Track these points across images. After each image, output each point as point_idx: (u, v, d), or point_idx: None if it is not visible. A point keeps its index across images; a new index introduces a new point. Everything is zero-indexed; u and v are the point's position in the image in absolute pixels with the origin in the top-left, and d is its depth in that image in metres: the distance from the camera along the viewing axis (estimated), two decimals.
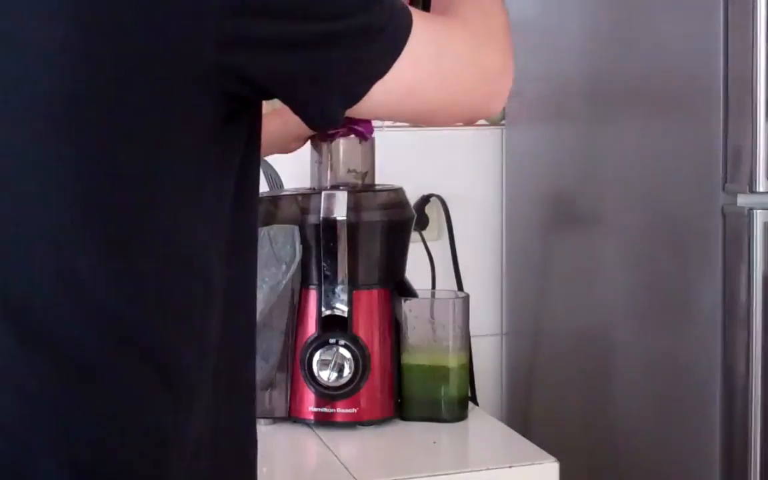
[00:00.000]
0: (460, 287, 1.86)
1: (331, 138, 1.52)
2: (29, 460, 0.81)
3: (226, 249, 0.89)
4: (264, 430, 1.50)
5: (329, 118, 0.89)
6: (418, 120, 1.03)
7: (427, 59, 0.91)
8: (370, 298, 1.51)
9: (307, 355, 1.49)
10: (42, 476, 0.81)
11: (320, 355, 1.48)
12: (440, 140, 1.99)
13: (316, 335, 1.50)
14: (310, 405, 1.50)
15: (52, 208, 0.80)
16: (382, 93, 0.88)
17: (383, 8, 0.88)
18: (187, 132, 0.83)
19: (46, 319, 0.81)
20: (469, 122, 0.99)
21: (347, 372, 1.48)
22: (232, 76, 0.83)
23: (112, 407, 0.83)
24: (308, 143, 1.55)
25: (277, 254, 1.49)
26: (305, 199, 1.52)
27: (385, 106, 0.91)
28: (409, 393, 1.52)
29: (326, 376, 1.48)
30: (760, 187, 1.31)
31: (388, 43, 0.88)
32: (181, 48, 0.80)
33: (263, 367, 1.50)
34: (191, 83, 0.82)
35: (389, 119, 1.07)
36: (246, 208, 0.92)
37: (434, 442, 1.46)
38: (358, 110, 0.90)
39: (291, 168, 1.66)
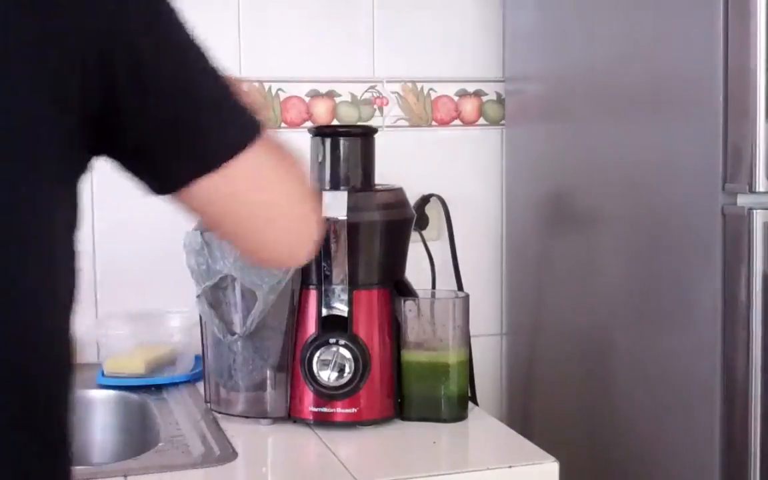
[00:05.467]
0: (460, 287, 1.86)
1: None
2: None
3: None
4: (264, 430, 1.50)
5: (175, 182, 0.90)
6: (230, 235, 1.00)
7: (264, 173, 0.92)
8: (370, 298, 1.51)
9: (307, 355, 1.49)
10: None
11: (320, 355, 1.48)
12: (440, 140, 1.99)
13: (316, 335, 1.50)
14: (309, 405, 1.50)
15: None
16: (213, 183, 0.89)
17: (242, 103, 0.91)
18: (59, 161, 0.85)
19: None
20: (273, 263, 1.00)
21: (347, 372, 1.48)
22: (103, 135, 0.85)
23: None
24: (309, 139, 1.55)
25: None
26: None
27: (208, 199, 0.91)
28: (409, 393, 1.52)
29: (326, 376, 1.48)
30: (760, 187, 1.32)
31: (238, 131, 0.90)
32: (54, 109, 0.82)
33: (262, 367, 1.50)
34: (62, 134, 0.83)
35: (205, 217, 0.99)
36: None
37: (434, 442, 1.46)
38: (188, 196, 0.90)
39: None
